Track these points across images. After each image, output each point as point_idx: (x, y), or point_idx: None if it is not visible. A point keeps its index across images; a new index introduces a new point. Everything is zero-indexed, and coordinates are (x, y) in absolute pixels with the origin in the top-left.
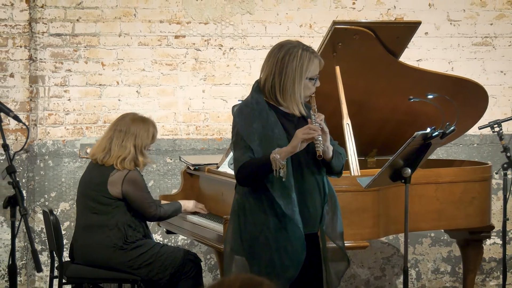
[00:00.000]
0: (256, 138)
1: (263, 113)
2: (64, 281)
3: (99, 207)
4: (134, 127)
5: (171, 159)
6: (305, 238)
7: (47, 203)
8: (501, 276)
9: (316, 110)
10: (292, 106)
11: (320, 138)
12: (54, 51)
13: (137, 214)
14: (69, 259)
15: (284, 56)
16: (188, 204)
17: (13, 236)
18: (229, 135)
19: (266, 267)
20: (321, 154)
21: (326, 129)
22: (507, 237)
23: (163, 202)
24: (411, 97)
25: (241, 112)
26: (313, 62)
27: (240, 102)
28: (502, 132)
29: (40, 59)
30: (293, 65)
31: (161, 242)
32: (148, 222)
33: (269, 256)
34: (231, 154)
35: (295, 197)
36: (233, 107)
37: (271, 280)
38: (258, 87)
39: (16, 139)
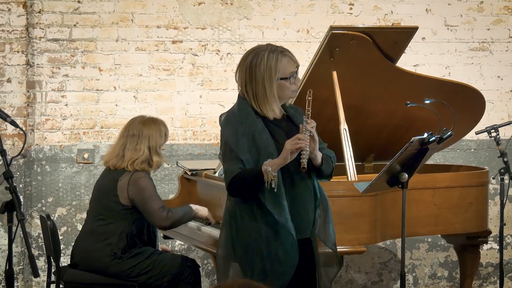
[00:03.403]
0: (245, 148)
1: (249, 120)
2: (61, 286)
3: (107, 214)
4: (146, 129)
5: (168, 164)
6: (298, 243)
7: (44, 208)
8: (498, 281)
9: (310, 115)
10: (266, 110)
11: (308, 149)
12: (51, 56)
13: (143, 223)
14: (66, 265)
15: (251, 61)
16: (201, 209)
17: (10, 241)
18: None
19: (258, 274)
20: (305, 166)
21: (316, 137)
22: (504, 242)
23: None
24: (408, 102)
25: (228, 122)
26: (281, 61)
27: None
28: (499, 137)
29: (37, 64)
30: (260, 69)
31: (159, 249)
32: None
33: (262, 263)
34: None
35: (286, 204)
36: (221, 115)
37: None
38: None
39: (13, 144)
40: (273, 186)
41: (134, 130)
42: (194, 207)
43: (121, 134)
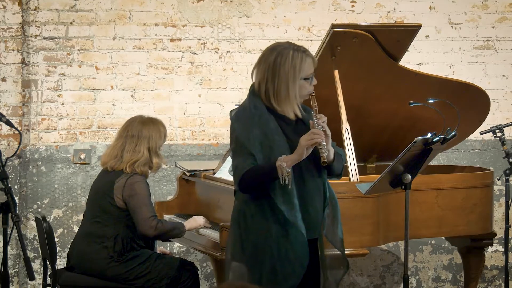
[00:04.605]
0: (257, 144)
1: (262, 118)
2: None
3: (103, 216)
4: (146, 130)
5: (166, 165)
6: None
7: (39, 210)
8: (503, 284)
9: (317, 111)
10: (287, 109)
11: (324, 143)
12: (47, 55)
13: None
14: (61, 267)
15: (275, 59)
16: (192, 223)
17: (5, 244)
18: (226, 141)
19: (267, 274)
20: (326, 160)
21: (329, 132)
22: (509, 244)
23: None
24: (412, 101)
25: (239, 117)
26: (306, 61)
27: (237, 106)
28: (504, 137)
29: (33, 63)
30: (285, 67)
31: (157, 251)
32: None
33: (271, 263)
34: (231, 160)
35: (297, 203)
36: (231, 111)
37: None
38: (254, 91)
39: (8, 145)
40: (286, 182)
41: (133, 131)
42: (188, 226)
43: (120, 134)
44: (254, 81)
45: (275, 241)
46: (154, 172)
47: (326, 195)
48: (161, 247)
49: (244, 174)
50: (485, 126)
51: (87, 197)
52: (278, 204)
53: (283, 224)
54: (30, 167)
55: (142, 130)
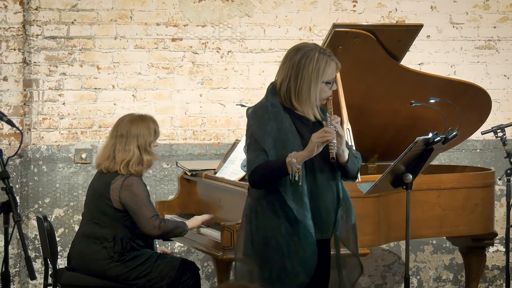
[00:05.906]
0: (270, 141)
1: (278, 116)
2: None
3: (101, 217)
4: (134, 128)
5: (167, 164)
6: (317, 243)
7: (41, 209)
8: (504, 284)
9: (332, 112)
10: (307, 110)
11: (335, 141)
12: (48, 54)
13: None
14: (62, 267)
15: (300, 60)
16: (194, 222)
17: (6, 243)
18: (227, 140)
19: (277, 272)
20: (334, 156)
21: (342, 132)
22: (510, 244)
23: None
24: (413, 101)
25: (256, 114)
26: (330, 66)
27: (238, 105)
28: (506, 137)
29: (34, 62)
30: (309, 68)
31: (158, 251)
32: None
33: (281, 261)
34: (244, 156)
35: (308, 202)
36: (248, 109)
37: (282, 285)
38: (273, 89)
39: (10, 144)
40: (296, 178)
41: (122, 130)
42: (190, 225)
43: (110, 134)
44: (276, 78)
45: (285, 238)
46: (145, 169)
47: (339, 197)
48: (162, 246)
49: (255, 169)
50: (486, 126)
51: (85, 198)
52: (287, 201)
53: (293, 222)
54: (31, 166)
55: (131, 129)
